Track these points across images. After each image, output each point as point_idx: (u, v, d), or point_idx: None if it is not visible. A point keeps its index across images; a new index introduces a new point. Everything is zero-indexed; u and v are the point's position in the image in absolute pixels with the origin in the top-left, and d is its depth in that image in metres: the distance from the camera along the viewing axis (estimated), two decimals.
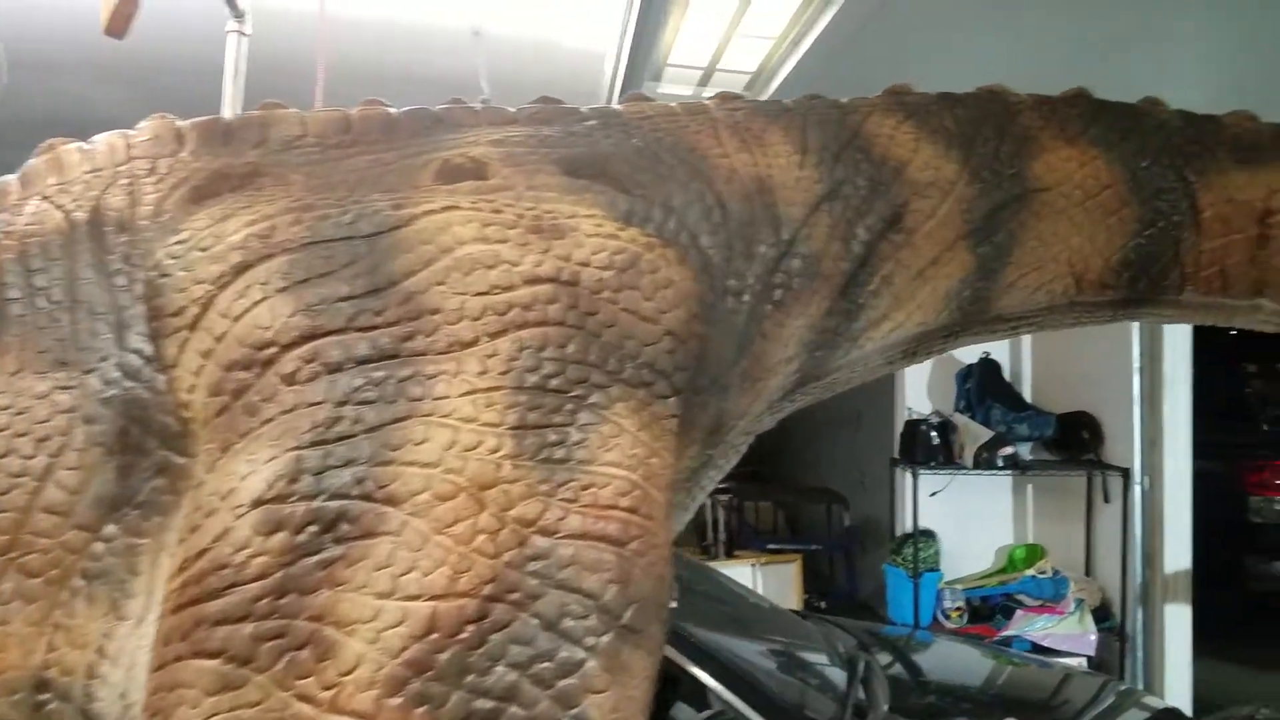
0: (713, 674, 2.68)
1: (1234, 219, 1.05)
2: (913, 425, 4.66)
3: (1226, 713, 2.87)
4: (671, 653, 2.72)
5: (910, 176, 1.03)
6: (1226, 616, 6.65)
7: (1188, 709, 4.36)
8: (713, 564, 5.30)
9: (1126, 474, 4.38)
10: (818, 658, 3.22)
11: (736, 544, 6.00)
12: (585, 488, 0.78)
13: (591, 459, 0.79)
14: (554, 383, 0.80)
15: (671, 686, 2.75)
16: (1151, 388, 4.29)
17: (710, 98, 1.07)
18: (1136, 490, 4.36)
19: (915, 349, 1.15)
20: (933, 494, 4.69)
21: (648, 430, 0.83)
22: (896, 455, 4.81)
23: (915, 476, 4.54)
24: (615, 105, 1.04)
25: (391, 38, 2.45)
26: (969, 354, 4.85)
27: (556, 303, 0.83)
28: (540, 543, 0.74)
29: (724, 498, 5.98)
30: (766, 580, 4.99)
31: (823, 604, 5.33)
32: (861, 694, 2.96)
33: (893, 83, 1.10)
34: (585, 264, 0.85)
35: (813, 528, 7.35)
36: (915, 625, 4.42)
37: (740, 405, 0.99)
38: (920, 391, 4.99)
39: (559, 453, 0.78)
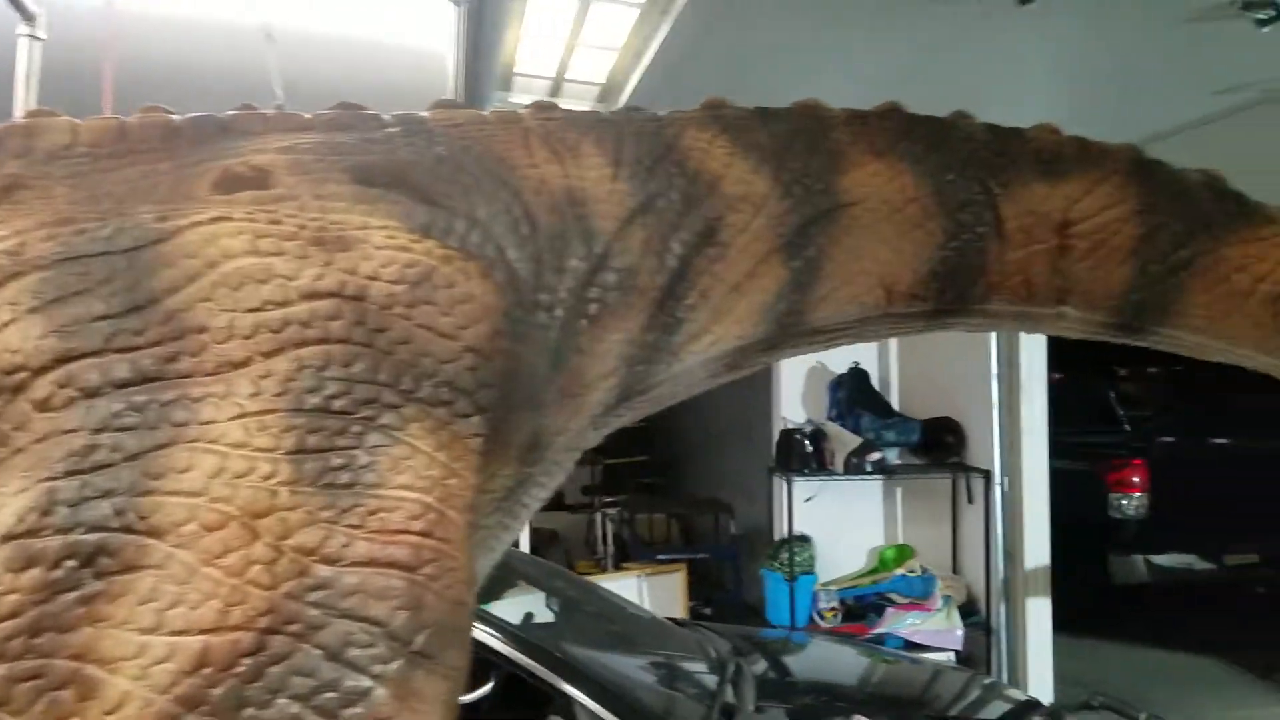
0: (583, 689, 2.71)
1: (1035, 230, 1.07)
2: (787, 434, 4.81)
3: (1063, 704, 3.03)
4: (543, 671, 2.75)
5: (723, 191, 1.03)
6: (1091, 608, 7.03)
7: (1049, 696, 4.59)
8: (601, 576, 5.35)
9: (988, 475, 4.61)
10: (692, 664, 3.29)
11: (627, 556, 6.07)
12: (373, 513, 0.75)
13: (381, 482, 0.76)
14: (338, 404, 0.77)
15: (544, 704, 2.78)
16: (1009, 393, 4.53)
17: (526, 106, 1.05)
18: (997, 490, 4.58)
19: (737, 362, 1.16)
20: (807, 500, 4.84)
21: (446, 450, 0.81)
22: (773, 464, 4.94)
23: (789, 484, 4.68)
24: (422, 112, 0.99)
25: (188, 38, 2.37)
26: (840, 364, 5.03)
27: (340, 319, 0.79)
28: (323, 572, 0.72)
29: (612, 511, 6.04)
30: (653, 590, 5.05)
31: (708, 610, 5.42)
32: (731, 696, 3.05)
33: (737, 93, 1.09)
34: (374, 278, 0.82)
35: (703, 537, 7.47)
36: (792, 627, 4.54)
37: (559, 421, 0.98)
38: (795, 401, 5.14)
39: (344, 477, 0.76)
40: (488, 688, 3.13)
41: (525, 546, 5.16)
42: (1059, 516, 6.98)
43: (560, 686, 2.72)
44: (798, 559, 4.68)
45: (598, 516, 6.12)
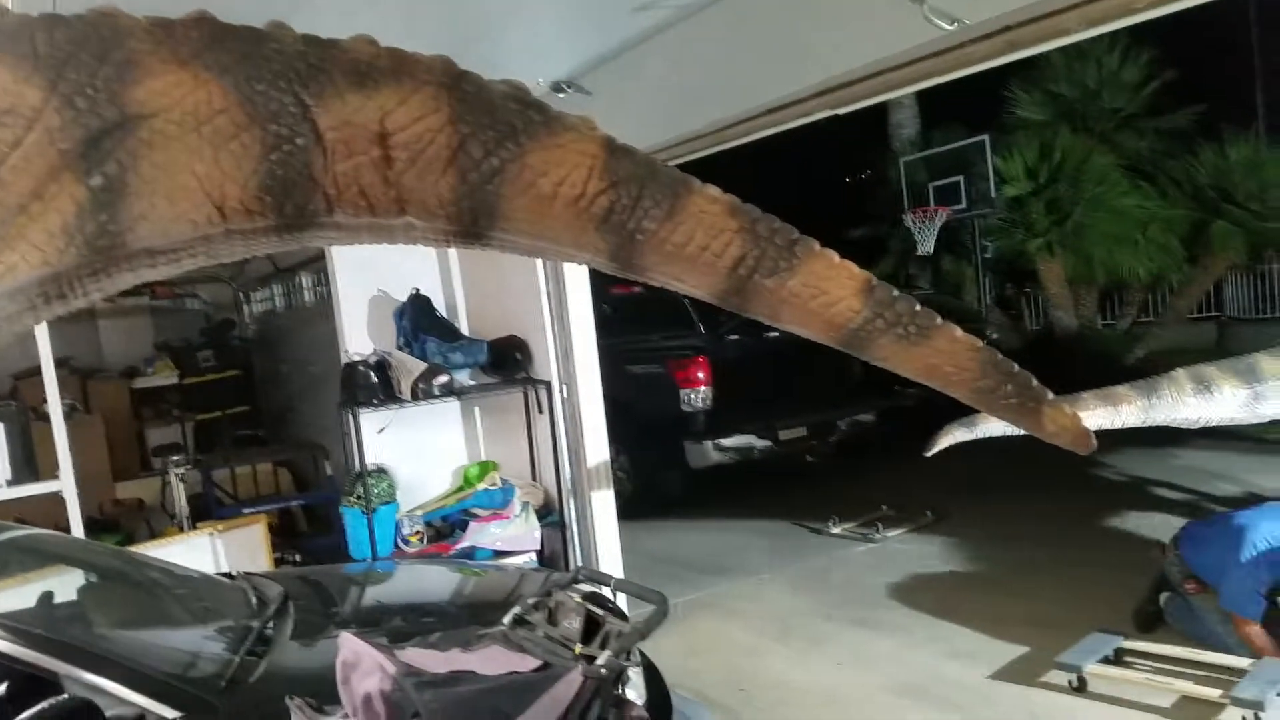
0: (86, 667, 2.56)
1: (355, 141, 1.06)
2: (350, 367, 4.74)
3: (554, 577, 3.37)
4: (41, 658, 2.55)
5: None
6: (673, 492, 7.90)
7: (619, 570, 5.09)
8: (176, 538, 4.99)
9: (549, 386, 4.91)
10: (231, 614, 3.20)
11: (209, 515, 5.72)
12: None
13: None
14: None
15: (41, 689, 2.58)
16: (559, 309, 4.82)
17: None
18: (558, 399, 4.90)
19: (61, 292, 1.07)
20: (380, 430, 4.85)
21: None
22: (341, 399, 4.87)
23: (356, 417, 4.65)
24: None
25: None
26: (403, 292, 5.04)
27: None
28: None
29: (180, 470, 5.63)
30: (229, 547, 4.80)
31: (297, 557, 5.29)
32: (271, 632, 3.05)
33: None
34: None
35: (308, 482, 7.26)
36: (373, 557, 4.58)
37: None
38: (361, 333, 5.08)
39: None
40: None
41: (78, 526, 4.66)
42: (642, 415, 7.71)
43: (61, 670, 2.54)
44: (375, 490, 4.69)
45: (171, 478, 5.66)
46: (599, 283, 5.87)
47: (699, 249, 1.17)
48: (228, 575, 3.70)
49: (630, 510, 6.93)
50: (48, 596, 3.25)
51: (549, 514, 5.07)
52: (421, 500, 5.10)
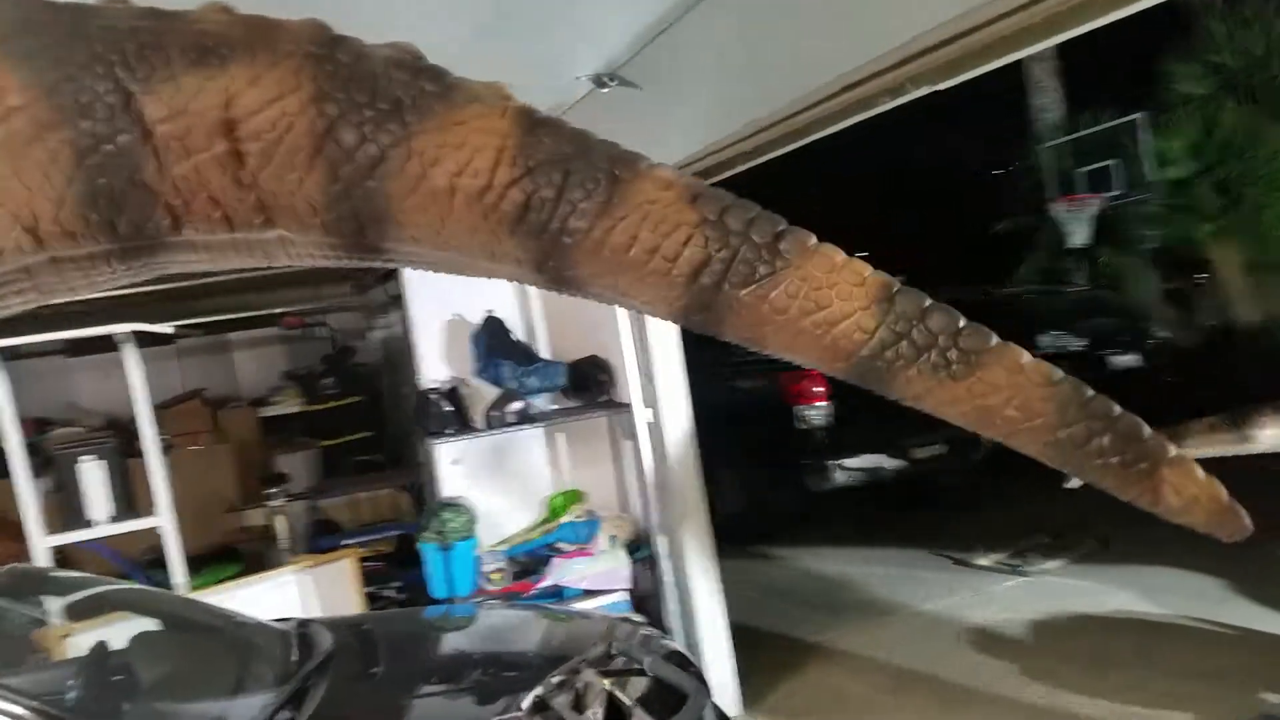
0: None
1: (192, 135, 0.86)
2: (423, 396, 4.55)
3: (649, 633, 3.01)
4: None
5: None
6: (790, 517, 7.38)
7: (719, 613, 4.69)
8: (262, 575, 4.93)
9: (631, 410, 4.56)
10: (270, 670, 3.02)
11: (308, 547, 5.68)
12: None
13: None
14: None
15: None
16: (639, 326, 4.47)
17: None
18: (642, 424, 4.54)
19: None
20: (454, 462, 4.62)
21: None
22: (416, 430, 4.68)
23: (428, 448, 4.44)
24: None
25: None
26: (478, 316, 4.82)
27: None
28: None
29: (277, 502, 5.61)
30: (319, 583, 4.68)
31: (393, 591, 5.16)
32: (310, 685, 2.88)
33: None
34: None
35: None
36: (450, 599, 4.35)
37: None
38: (437, 361, 4.89)
39: None
40: None
41: (178, 562, 4.66)
42: (753, 434, 7.25)
43: None
44: (451, 525, 4.45)
45: (273, 509, 5.66)
46: None
47: (647, 252, 0.82)
48: (301, 621, 3.55)
49: (741, 537, 6.49)
50: (101, 646, 3.20)
51: (640, 548, 4.70)
52: (505, 534, 4.84)
